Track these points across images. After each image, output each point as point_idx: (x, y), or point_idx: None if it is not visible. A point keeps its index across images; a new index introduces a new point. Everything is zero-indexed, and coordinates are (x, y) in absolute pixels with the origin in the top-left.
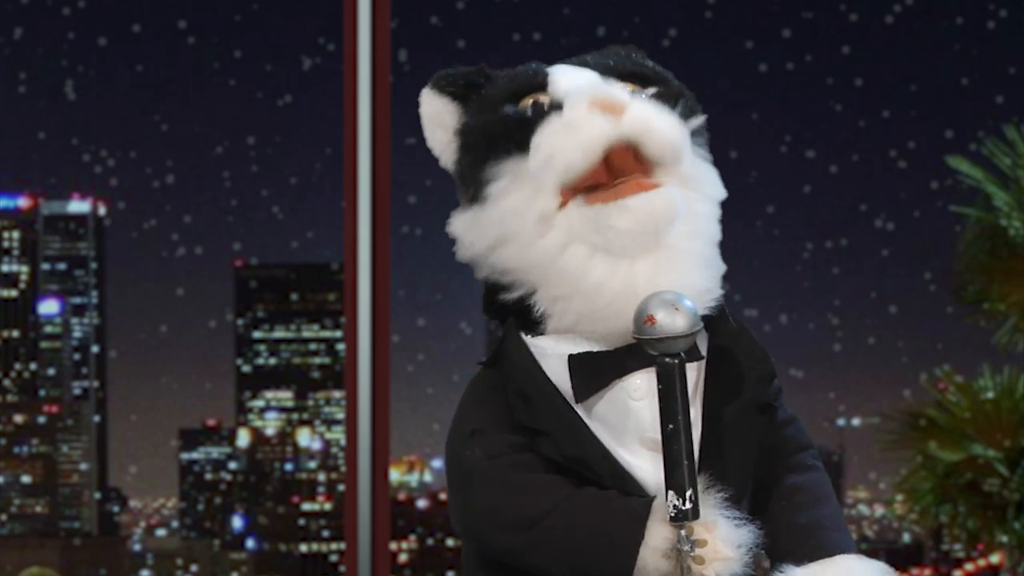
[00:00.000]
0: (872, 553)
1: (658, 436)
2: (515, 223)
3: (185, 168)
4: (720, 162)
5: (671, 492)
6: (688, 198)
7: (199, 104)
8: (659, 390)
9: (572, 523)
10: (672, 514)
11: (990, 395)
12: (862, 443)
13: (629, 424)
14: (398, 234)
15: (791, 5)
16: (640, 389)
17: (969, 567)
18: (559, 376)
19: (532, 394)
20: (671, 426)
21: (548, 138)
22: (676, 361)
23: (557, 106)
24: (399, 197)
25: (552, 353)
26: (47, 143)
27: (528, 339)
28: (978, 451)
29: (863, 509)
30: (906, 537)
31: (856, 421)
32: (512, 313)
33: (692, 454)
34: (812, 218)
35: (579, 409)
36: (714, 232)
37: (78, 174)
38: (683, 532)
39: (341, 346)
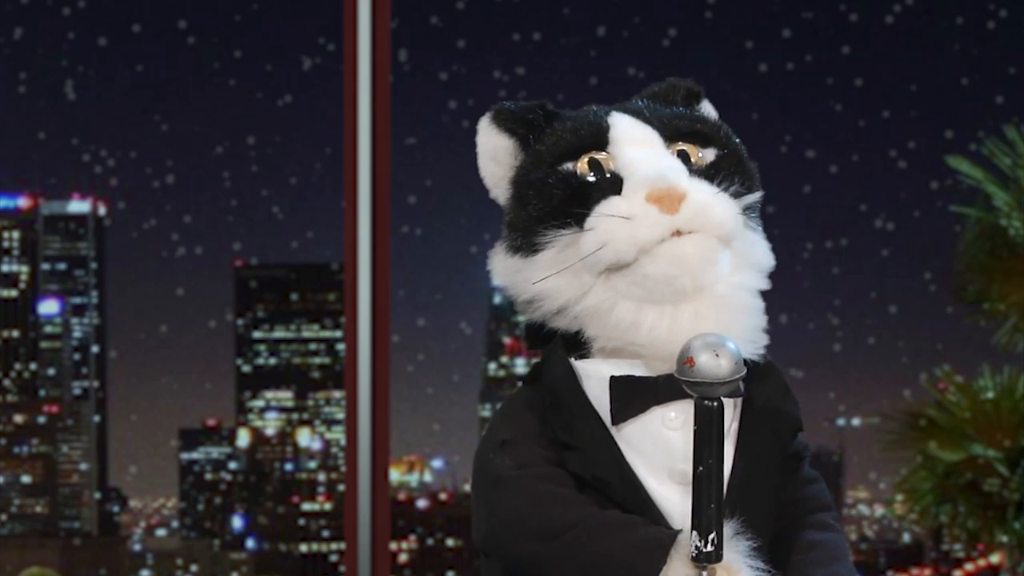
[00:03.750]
0: (872, 553)
1: (687, 468)
2: (556, 290)
3: (185, 168)
4: None
5: (695, 532)
6: (732, 262)
7: (199, 104)
8: (695, 431)
9: (596, 540)
10: (694, 554)
11: (990, 395)
12: (862, 443)
13: (661, 453)
14: (398, 234)
15: (791, 5)
16: (677, 419)
17: (969, 567)
18: (598, 398)
19: (568, 409)
20: (701, 468)
21: (603, 224)
22: (715, 404)
23: (616, 179)
24: (399, 197)
25: (595, 375)
26: (47, 143)
27: (572, 360)
28: (978, 451)
29: (863, 509)
30: (906, 537)
31: (856, 421)
32: (558, 335)
33: (720, 498)
34: (812, 218)
35: (613, 432)
36: (757, 303)
37: (78, 174)
38: (704, 574)
39: (341, 346)
